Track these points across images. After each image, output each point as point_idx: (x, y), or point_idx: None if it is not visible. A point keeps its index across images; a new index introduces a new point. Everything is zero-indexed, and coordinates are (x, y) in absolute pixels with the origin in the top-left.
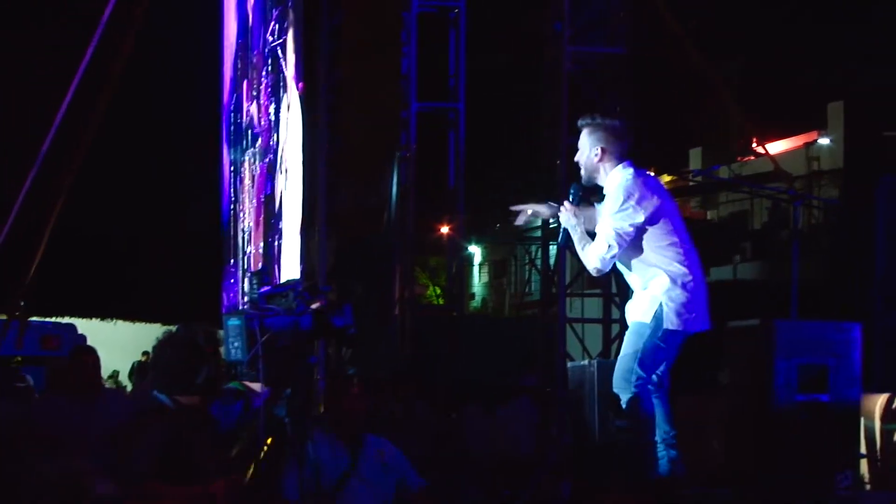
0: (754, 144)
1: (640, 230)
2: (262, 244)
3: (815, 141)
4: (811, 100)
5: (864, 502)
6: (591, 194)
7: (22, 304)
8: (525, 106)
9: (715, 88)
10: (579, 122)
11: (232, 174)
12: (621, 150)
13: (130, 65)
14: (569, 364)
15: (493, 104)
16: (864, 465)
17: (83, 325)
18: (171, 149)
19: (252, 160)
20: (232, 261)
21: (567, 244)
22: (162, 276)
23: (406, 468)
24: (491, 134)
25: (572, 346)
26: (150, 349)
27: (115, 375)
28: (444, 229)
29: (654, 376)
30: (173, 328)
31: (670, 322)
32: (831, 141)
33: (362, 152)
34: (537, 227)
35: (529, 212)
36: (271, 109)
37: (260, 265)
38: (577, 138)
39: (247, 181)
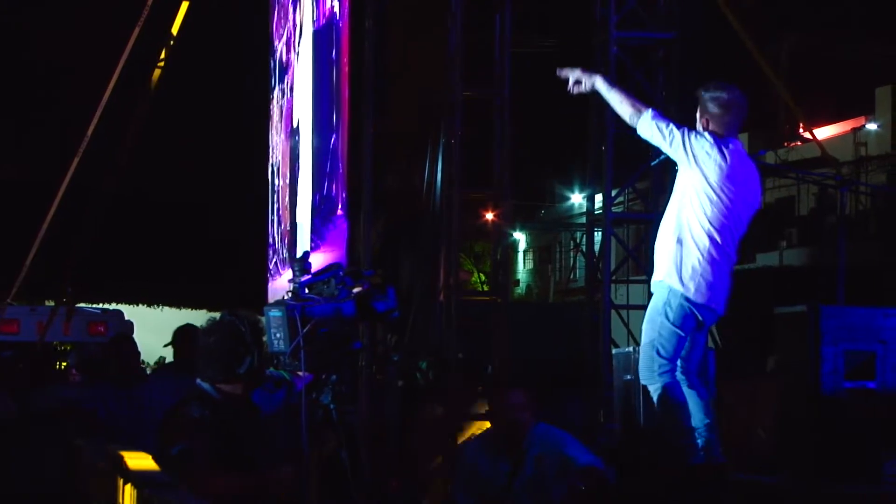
0: (801, 129)
1: (684, 149)
2: (287, 196)
3: (863, 126)
4: (859, 84)
5: None
6: None
7: (69, 290)
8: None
9: (763, 73)
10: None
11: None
12: (725, 123)
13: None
14: (614, 350)
15: (539, 90)
16: None
17: (130, 312)
18: (218, 133)
19: (280, 95)
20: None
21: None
22: (208, 263)
23: (568, 452)
24: (537, 120)
25: (617, 333)
26: None
27: (161, 362)
28: (489, 215)
29: (679, 362)
30: (217, 315)
31: (680, 285)
32: (879, 126)
33: (408, 137)
34: (581, 214)
35: (573, 78)
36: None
37: (288, 226)
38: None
39: (275, 116)
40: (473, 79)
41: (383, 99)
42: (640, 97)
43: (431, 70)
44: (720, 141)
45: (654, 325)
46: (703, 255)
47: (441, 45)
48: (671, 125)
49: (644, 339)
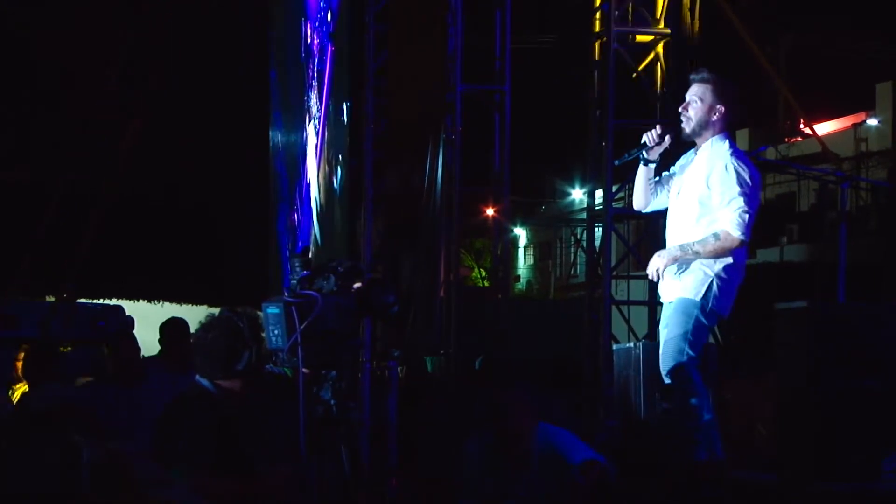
0: (802, 125)
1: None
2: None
3: (864, 122)
4: (859, 80)
5: None
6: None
7: (70, 285)
8: (571, 87)
9: (763, 69)
10: (703, 75)
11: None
12: (733, 116)
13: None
14: (614, 346)
15: (539, 85)
16: None
17: (130, 307)
18: (221, 128)
19: (313, 82)
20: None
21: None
22: (208, 259)
23: (568, 450)
24: (537, 115)
25: (618, 328)
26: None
27: None
28: (490, 211)
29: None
30: (216, 311)
31: (718, 303)
32: (880, 122)
33: (408, 134)
34: (582, 209)
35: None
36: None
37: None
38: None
39: (313, 108)
40: (473, 75)
41: (384, 99)
42: (640, 94)
43: (432, 68)
44: (746, 161)
45: (689, 317)
46: (733, 269)
47: (441, 43)
48: (739, 219)
49: (674, 329)
